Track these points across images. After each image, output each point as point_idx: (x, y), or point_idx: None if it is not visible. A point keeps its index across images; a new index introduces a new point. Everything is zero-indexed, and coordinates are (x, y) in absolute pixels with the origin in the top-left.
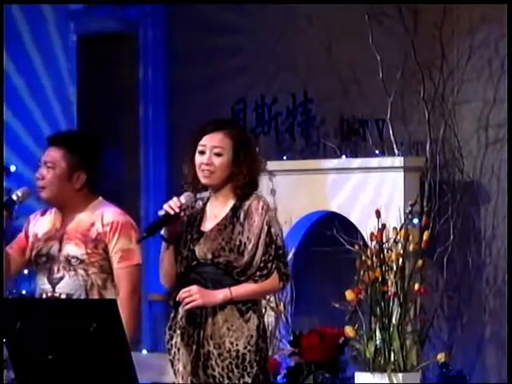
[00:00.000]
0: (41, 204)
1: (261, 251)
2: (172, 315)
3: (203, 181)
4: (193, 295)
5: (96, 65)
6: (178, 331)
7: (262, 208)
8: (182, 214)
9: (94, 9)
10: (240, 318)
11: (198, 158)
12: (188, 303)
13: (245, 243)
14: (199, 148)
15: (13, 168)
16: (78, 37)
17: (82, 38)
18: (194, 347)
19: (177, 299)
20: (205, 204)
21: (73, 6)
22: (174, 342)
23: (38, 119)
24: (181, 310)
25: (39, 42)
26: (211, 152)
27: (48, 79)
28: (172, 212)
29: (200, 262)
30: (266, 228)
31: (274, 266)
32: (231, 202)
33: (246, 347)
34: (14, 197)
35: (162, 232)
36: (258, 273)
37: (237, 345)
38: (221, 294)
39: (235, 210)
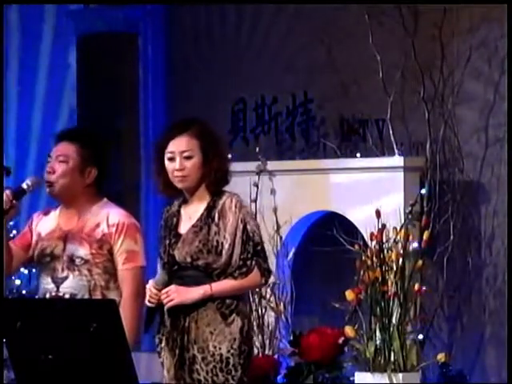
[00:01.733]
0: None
1: (238, 250)
2: (159, 319)
3: (179, 186)
4: (170, 295)
5: (96, 65)
6: (165, 335)
7: (236, 206)
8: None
9: (94, 9)
10: (222, 321)
11: (170, 165)
12: (167, 303)
13: (222, 243)
14: (168, 155)
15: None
16: (77, 37)
17: (81, 38)
18: (178, 351)
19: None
20: (180, 206)
21: (73, 6)
22: (162, 345)
23: (37, 119)
24: (166, 314)
25: (39, 42)
26: (181, 157)
27: (48, 79)
28: (156, 302)
29: (181, 265)
30: (241, 226)
31: (253, 263)
32: (205, 203)
33: (229, 351)
34: (24, 186)
35: None
36: (237, 271)
37: (220, 348)
38: (201, 290)
39: (209, 211)
